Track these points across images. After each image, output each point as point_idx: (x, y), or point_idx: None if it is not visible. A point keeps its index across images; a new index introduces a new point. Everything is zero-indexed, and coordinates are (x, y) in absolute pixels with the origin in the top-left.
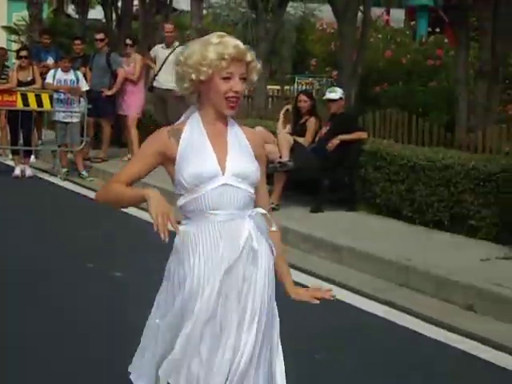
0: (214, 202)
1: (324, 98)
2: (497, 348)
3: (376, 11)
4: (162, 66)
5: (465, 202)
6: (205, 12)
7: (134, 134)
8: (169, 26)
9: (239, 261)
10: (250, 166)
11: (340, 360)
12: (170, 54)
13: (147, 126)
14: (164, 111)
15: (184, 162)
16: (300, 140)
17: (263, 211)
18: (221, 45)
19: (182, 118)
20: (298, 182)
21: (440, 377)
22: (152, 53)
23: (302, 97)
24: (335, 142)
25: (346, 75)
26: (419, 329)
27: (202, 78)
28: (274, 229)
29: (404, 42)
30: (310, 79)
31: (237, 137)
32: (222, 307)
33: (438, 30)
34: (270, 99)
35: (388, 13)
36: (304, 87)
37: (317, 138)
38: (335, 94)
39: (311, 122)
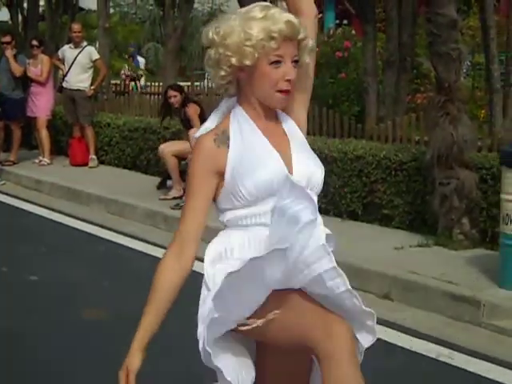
0: None
1: None
2: (414, 335)
3: (284, 5)
4: (71, 66)
5: (377, 191)
6: (112, 11)
7: (44, 135)
8: (76, 26)
9: None
10: (318, 171)
11: None
12: (79, 54)
13: (57, 127)
14: (74, 111)
15: (243, 171)
16: (191, 132)
17: (327, 231)
18: (268, 20)
19: (217, 116)
20: None
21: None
22: (60, 53)
23: (171, 92)
24: None
25: None
26: None
27: (247, 62)
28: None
29: None
30: None
31: (294, 132)
32: None
33: (345, 22)
34: None
35: None
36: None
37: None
38: None
39: (190, 110)
